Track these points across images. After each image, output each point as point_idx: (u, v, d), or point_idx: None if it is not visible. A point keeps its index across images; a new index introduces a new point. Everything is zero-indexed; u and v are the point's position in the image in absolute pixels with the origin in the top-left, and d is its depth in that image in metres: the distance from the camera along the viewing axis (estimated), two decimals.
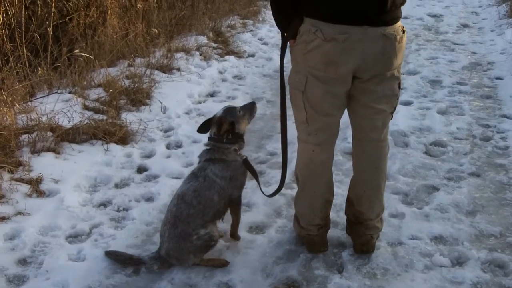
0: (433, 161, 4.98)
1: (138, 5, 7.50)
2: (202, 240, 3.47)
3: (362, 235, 3.71)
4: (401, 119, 5.67)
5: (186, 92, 6.28)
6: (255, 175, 3.74)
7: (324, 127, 3.46)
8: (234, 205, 3.73)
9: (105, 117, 5.32)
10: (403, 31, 3.29)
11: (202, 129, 3.77)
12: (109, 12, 7.04)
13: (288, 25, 3.32)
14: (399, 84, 3.42)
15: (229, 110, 3.70)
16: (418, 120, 5.73)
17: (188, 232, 3.44)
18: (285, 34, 3.38)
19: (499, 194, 4.44)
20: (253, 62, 7.55)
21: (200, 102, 6.23)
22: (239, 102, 6.16)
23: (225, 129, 3.64)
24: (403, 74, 3.61)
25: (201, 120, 5.67)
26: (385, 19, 3.18)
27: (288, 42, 3.39)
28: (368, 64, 3.23)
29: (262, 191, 3.82)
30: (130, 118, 5.43)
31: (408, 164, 4.89)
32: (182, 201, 3.49)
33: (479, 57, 7.72)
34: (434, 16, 9.70)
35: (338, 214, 4.07)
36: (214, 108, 5.99)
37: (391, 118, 3.52)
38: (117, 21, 7.18)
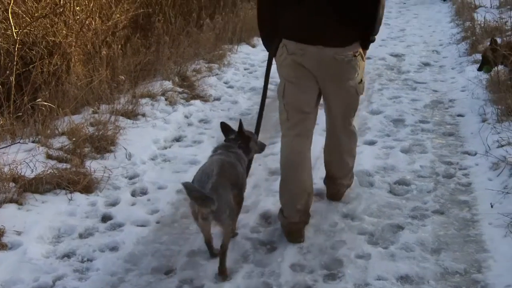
0: (398, 200, 5.02)
1: (103, 52, 7.51)
2: (234, 201, 4.01)
3: (332, 188, 4.93)
4: (366, 159, 5.72)
5: (152, 138, 6.27)
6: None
7: (301, 121, 4.38)
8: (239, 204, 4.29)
9: (69, 166, 5.27)
10: (355, 55, 4.20)
11: (224, 128, 4.53)
12: (73, 59, 7.04)
13: (270, 46, 4.41)
14: (356, 91, 4.39)
15: (251, 131, 4.57)
16: (382, 159, 5.79)
17: (228, 184, 3.93)
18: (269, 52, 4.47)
19: (462, 231, 4.49)
20: (219, 106, 7.57)
21: (165, 148, 6.22)
22: (205, 147, 6.18)
23: (244, 138, 4.43)
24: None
25: (167, 165, 5.76)
26: (335, 42, 4.14)
27: (274, 58, 4.43)
28: (322, 74, 4.25)
29: None
30: (94, 166, 5.39)
31: (373, 203, 4.92)
32: (226, 162, 4.11)
33: (441, 95, 7.83)
34: (396, 55, 9.84)
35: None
36: (180, 153, 6.04)
37: (354, 114, 4.58)
38: (81, 68, 7.17)
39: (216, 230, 4.00)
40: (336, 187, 4.91)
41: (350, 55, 4.17)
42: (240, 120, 4.50)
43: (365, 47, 4.34)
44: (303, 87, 4.31)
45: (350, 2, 4.10)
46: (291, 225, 4.37)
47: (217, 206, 3.68)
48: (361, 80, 4.40)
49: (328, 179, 4.95)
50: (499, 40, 7.32)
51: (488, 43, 7.29)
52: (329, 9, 4.07)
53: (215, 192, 3.72)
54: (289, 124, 4.40)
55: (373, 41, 4.33)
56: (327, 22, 4.09)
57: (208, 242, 4.08)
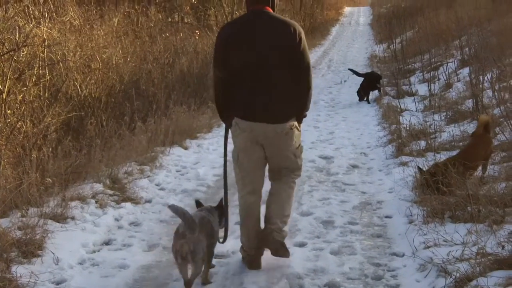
0: None
1: (33, 154, 7.47)
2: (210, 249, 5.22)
3: (266, 229, 5.62)
4: (296, 261, 5.76)
5: (80, 242, 6.17)
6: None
7: (251, 182, 5.62)
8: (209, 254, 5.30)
9: None
10: (291, 128, 5.46)
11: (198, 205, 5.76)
12: (2, 162, 6.97)
13: (226, 119, 5.63)
14: (295, 155, 5.60)
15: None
16: (312, 262, 5.83)
17: (204, 234, 5.09)
18: (225, 123, 5.69)
19: None
20: (150, 208, 7.53)
21: (94, 251, 6.12)
22: (135, 250, 6.13)
23: (221, 209, 5.71)
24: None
25: (95, 270, 5.67)
26: (275, 120, 5.39)
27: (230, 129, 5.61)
28: (267, 145, 5.47)
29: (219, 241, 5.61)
30: (20, 271, 5.24)
31: None
32: (205, 217, 5.34)
33: (369, 196, 7.99)
34: (325, 158, 10.04)
35: None
36: (108, 257, 5.95)
37: (299, 172, 5.79)
38: (11, 171, 7.10)
39: None
40: (270, 227, 5.58)
41: (288, 128, 5.44)
42: (221, 199, 5.77)
43: (300, 121, 5.65)
44: (252, 154, 5.52)
45: (286, 89, 5.42)
46: (250, 257, 5.71)
47: (194, 248, 4.85)
48: (299, 145, 5.65)
49: (265, 222, 5.69)
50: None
51: (419, 174, 7.49)
52: (270, 96, 5.37)
53: (193, 237, 4.89)
54: (242, 183, 5.66)
55: (305, 116, 5.72)
56: (269, 105, 5.36)
57: (187, 282, 5.02)
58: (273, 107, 5.37)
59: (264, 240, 5.62)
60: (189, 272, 5.05)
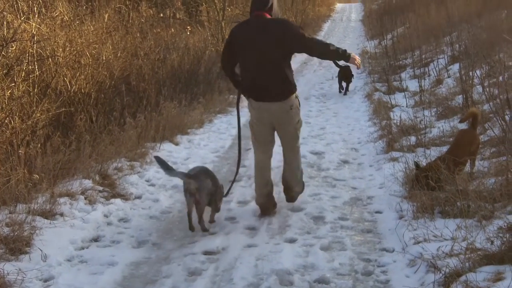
0: None
1: (21, 150, 7.40)
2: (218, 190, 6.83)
3: (288, 194, 7.29)
4: (286, 257, 5.74)
5: (69, 238, 6.14)
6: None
7: (262, 144, 7.02)
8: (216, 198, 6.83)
9: None
10: (291, 108, 6.73)
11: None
12: None
13: (237, 87, 7.10)
14: (295, 128, 6.93)
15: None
16: (302, 257, 5.82)
17: (207, 177, 6.70)
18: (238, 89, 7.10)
19: None
20: (140, 204, 7.50)
21: (83, 248, 6.08)
22: (124, 246, 6.11)
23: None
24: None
25: (84, 267, 5.63)
26: (279, 98, 6.70)
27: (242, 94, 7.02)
28: (275, 120, 6.83)
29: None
30: (8, 268, 5.21)
31: None
32: (207, 168, 7.18)
33: (359, 192, 7.98)
34: (316, 153, 10.02)
35: None
36: (97, 254, 5.92)
37: (298, 142, 7.13)
38: None
39: None
40: (291, 193, 7.25)
41: (289, 107, 6.74)
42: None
43: (348, 59, 6.94)
44: (263, 127, 6.91)
45: (282, 75, 6.66)
46: (261, 204, 7.08)
47: (198, 186, 6.37)
48: (298, 120, 6.97)
49: (285, 189, 7.27)
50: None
51: (415, 168, 7.43)
52: (270, 81, 6.66)
53: (198, 178, 6.45)
54: (256, 145, 7.05)
55: (343, 53, 6.83)
56: (270, 88, 6.66)
57: (189, 213, 6.54)
58: (273, 90, 6.67)
59: (287, 196, 7.32)
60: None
